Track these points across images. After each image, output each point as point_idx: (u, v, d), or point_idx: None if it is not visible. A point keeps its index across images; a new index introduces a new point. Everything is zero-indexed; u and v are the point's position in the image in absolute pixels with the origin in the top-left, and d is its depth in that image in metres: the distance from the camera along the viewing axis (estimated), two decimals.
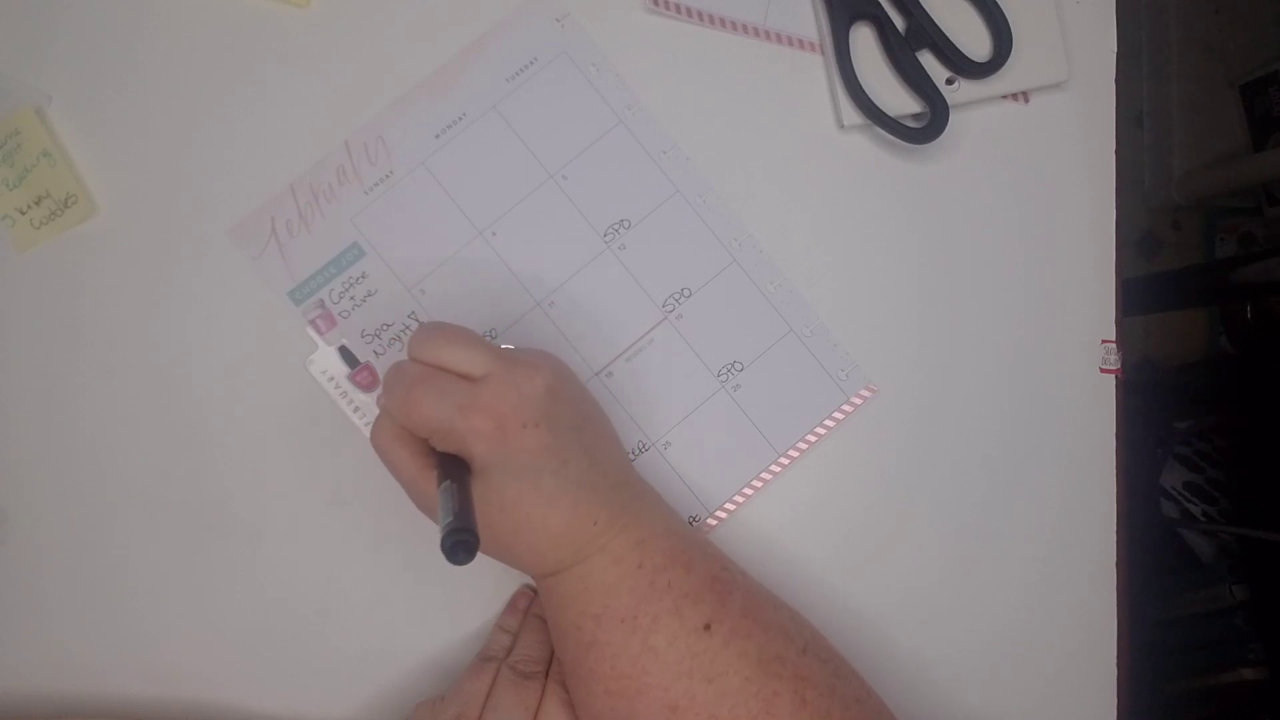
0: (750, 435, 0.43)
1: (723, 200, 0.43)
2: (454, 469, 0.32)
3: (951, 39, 0.42)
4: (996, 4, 0.42)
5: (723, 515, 0.43)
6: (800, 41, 0.44)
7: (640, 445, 0.43)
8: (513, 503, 0.32)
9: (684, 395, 0.43)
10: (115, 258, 0.42)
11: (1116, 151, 0.45)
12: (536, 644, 0.39)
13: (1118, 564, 0.44)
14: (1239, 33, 1.30)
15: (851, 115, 0.43)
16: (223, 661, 0.42)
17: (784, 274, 0.43)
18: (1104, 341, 0.45)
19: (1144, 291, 1.22)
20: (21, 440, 0.41)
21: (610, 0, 0.43)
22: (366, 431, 0.42)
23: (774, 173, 0.44)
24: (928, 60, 0.43)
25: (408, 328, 0.42)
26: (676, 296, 0.43)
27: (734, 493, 0.43)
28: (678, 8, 0.43)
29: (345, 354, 0.42)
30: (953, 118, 0.42)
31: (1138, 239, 1.37)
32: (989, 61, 0.42)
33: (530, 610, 0.41)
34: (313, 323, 0.42)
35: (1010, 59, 0.42)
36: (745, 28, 0.43)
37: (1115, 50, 0.45)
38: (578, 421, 0.34)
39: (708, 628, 0.33)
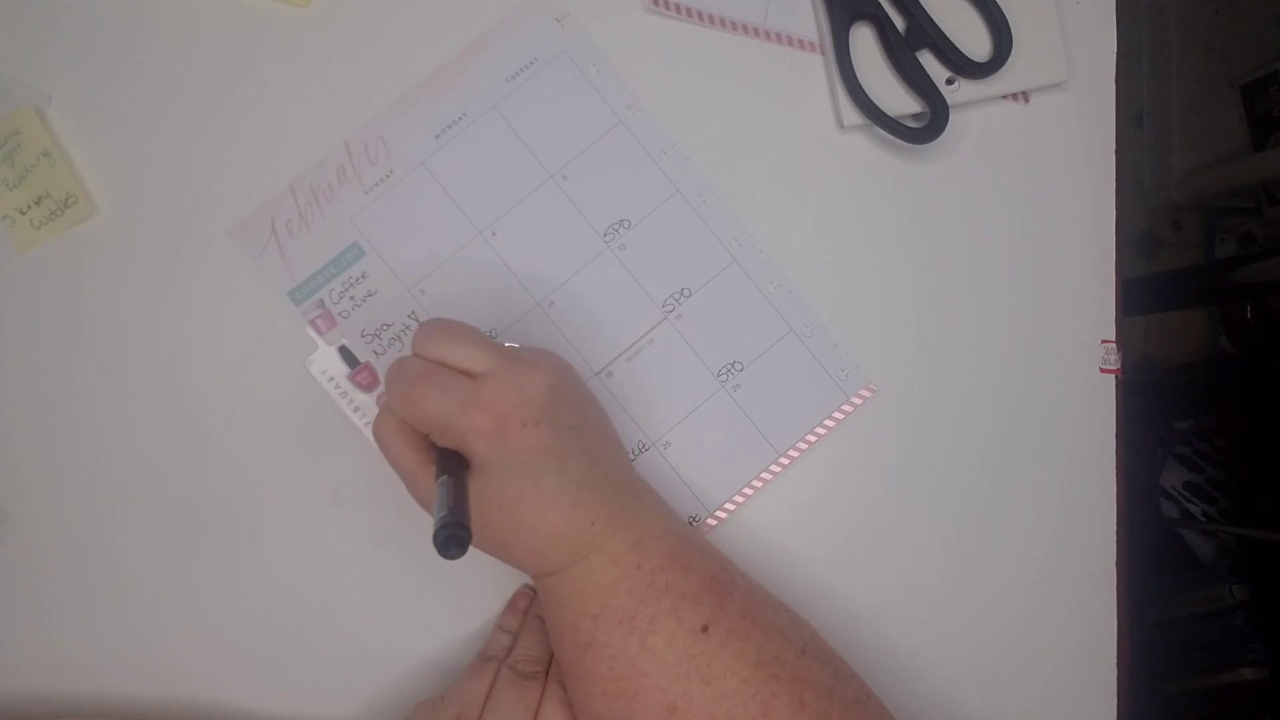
0: (750, 435, 0.43)
1: (723, 200, 0.43)
2: (452, 465, 0.32)
3: (951, 39, 0.42)
4: (996, 4, 0.42)
5: (723, 515, 0.43)
6: (800, 41, 0.44)
7: (640, 445, 0.43)
8: (512, 501, 0.32)
9: (684, 395, 0.43)
10: (115, 258, 0.42)
11: (1116, 151, 0.45)
12: (536, 644, 0.39)
13: (1118, 564, 0.44)
14: (1239, 33, 1.30)
15: (851, 115, 0.43)
16: (223, 661, 0.42)
17: (784, 274, 0.43)
18: (1104, 341, 0.45)
19: (1144, 291, 1.22)
20: (21, 440, 0.41)
21: (610, 0, 0.43)
22: (367, 431, 0.42)
23: (774, 173, 0.44)
24: (928, 60, 0.43)
25: (408, 328, 0.42)
26: (676, 296, 0.43)
27: (734, 493, 0.43)
28: (678, 8, 0.43)
29: (345, 354, 0.42)
30: (953, 118, 0.42)
31: (1138, 239, 1.37)
32: (989, 61, 0.42)
33: (530, 610, 0.41)
34: (313, 323, 0.42)
35: (1010, 59, 0.42)
36: (745, 28, 0.43)
37: (1115, 50, 0.45)
38: (578, 421, 0.34)
39: (706, 629, 0.33)
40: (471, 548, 0.29)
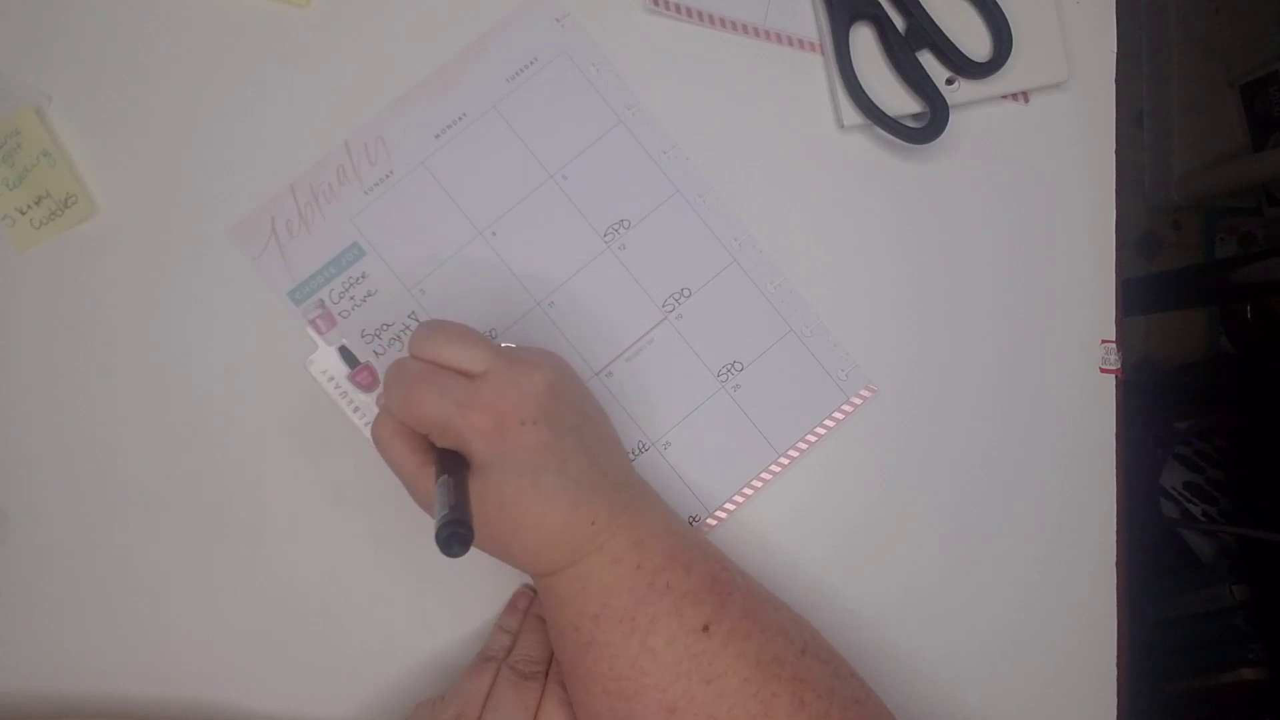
0: (750, 435, 0.43)
1: (723, 200, 0.43)
2: (452, 464, 0.32)
3: (951, 39, 0.42)
4: (996, 4, 0.42)
5: (723, 515, 0.43)
6: (800, 41, 0.44)
7: (640, 445, 0.43)
8: (511, 500, 0.32)
9: (684, 395, 0.43)
10: (115, 258, 0.42)
11: (1116, 151, 0.45)
12: (536, 644, 0.39)
13: (1118, 564, 0.44)
14: (1239, 33, 1.30)
15: (851, 115, 0.43)
16: (223, 661, 0.42)
17: (784, 274, 0.43)
18: (1104, 341, 0.45)
19: (1144, 291, 1.22)
20: (21, 440, 0.41)
21: (610, 0, 0.43)
22: (366, 431, 0.42)
23: (774, 173, 0.44)
24: (928, 60, 0.43)
25: (408, 328, 0.42)
26: (676, 296, 0.43)
27: (734, 493, 0.43)
28: (678, 8, 0.43)
29: (345, 354, 0.42)
30: (953, 118, 0.42)
31: (1138, 239, 1.37)
32: (989, 61, 0.42)
33: (530, 610, 0.41)
34: (313, 323, 0.42)
35: (1010, 59, 0.42)
36: (745, 28, 0.43)
37: (1115, 50, 0.45)
38: (578, 421, 0.34)
39: (706, 629, 0.33)
40: (472, 547, 0.29)
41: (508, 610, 0.42)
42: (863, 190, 0.44)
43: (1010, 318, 0.44)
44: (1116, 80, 0.45)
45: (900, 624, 0.43)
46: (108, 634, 0.41)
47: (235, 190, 0.42)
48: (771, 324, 0.43)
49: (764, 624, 0.34)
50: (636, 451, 0.43)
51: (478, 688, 0.37)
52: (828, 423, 0.43)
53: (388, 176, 0.42)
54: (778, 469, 0.43)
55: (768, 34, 0.44)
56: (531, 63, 0.43)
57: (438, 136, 0.42)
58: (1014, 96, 0.45)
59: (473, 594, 0.42)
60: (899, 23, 0.43)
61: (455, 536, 0.28)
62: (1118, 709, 0.44)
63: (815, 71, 0.44)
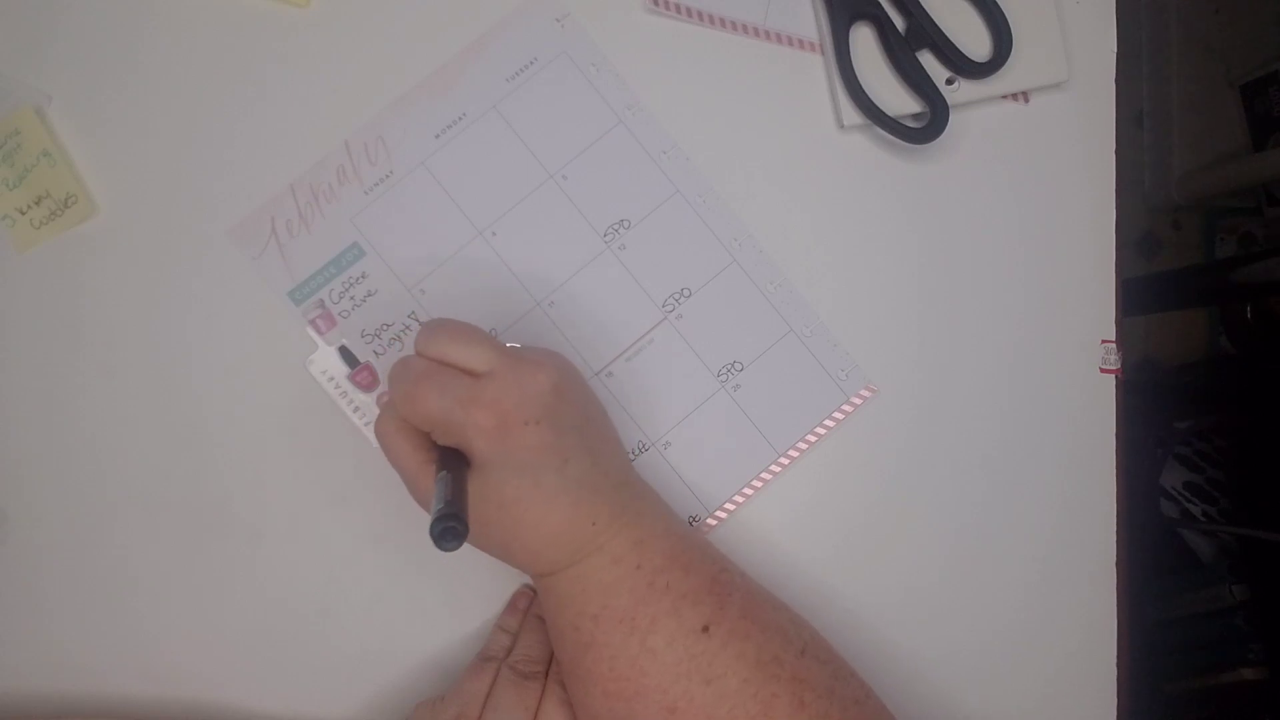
0: (750, 435, 0.43)
1: (723, 200, 0.43)
2: (452, 461, 0.32)
3: (951, 39, 0.42)
4: (996, 4, 0.42)
5: (723, 515, 0.43)
6: (800, 41, 0.44)
7: (640, 445, 0.43)
8: (512, 500, 0.32)
9: (684, 395, 0.43)
10: (115, 258, 0.42)
11: (1116, 151, 0.45)
12: (536, 644, 0.39)
13: (1118, 564, 0.44)
14: (1239, 33, 1.30)
15: (851, 115, 0.43)
16: (223, 661, 0.42)
17: (784, 274, 0.43)
18: (1104, 341, 0.45)
19: (1144, 291, 1.22)
20: (21, 440, 0.41)
21: (610, 0, 0.43)
22: (366, 431, 0.42)
23: (774, 173, 0.44)
24: (928, 60, 0.43)
25: (408, 328, 0.42)
26: (676, 296, 0.43)
27: (734, 493, 0.43)
28: (678, 8, 0.43)
29: (345, 354, 0.42)
30: (953, 118, 0.42)
31: (1138, 239, 1.37)
32: (989, 61, 0.42)
33: (530, 610, 0.41)
34: (313, 323, 0.42)
35: (1010, 59, 0.42)
36: (745, 28, 0.43)
37: (1115, 50, 0.45)
38: (580, 421, 0.34)
39: (706, 629, 0.33)
40: (472, 547, 0.29)
41: (508, 610, 0.42)
42: (863, 190, 0.44)
43: (1010, 318, 0.44)
44: (1116, 80, 0.45)
45: (900, 624, 0.43)
46: (108, 634, 0.41)
47: (235, 190, 0.42)
48: (771, 324, 0.43)
49: (763, 624, 0.34)
50: (636, 451, 0.43)
51: (478, 688, 0.37)
52: (828, 423, 0.43)
53: (388, 176, 0.42)
54: (778, 469, 0.43)
55: (768, 34, 0.44)
56: (531, 63, 0.43)
57: (438, 136, 0.42)
58: (1014, 96, 0.45)
59: (473, 594, 0.42)
60: (899, 23, 0.43)
61: (449, 531, 0.28)
62: (1118, 709, 0.44)
63: (815, 71, 0.44)
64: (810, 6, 0.44)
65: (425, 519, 0.35)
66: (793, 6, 0.44)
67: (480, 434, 0.32)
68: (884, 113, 0.42)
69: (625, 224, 0.43)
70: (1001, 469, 0.44)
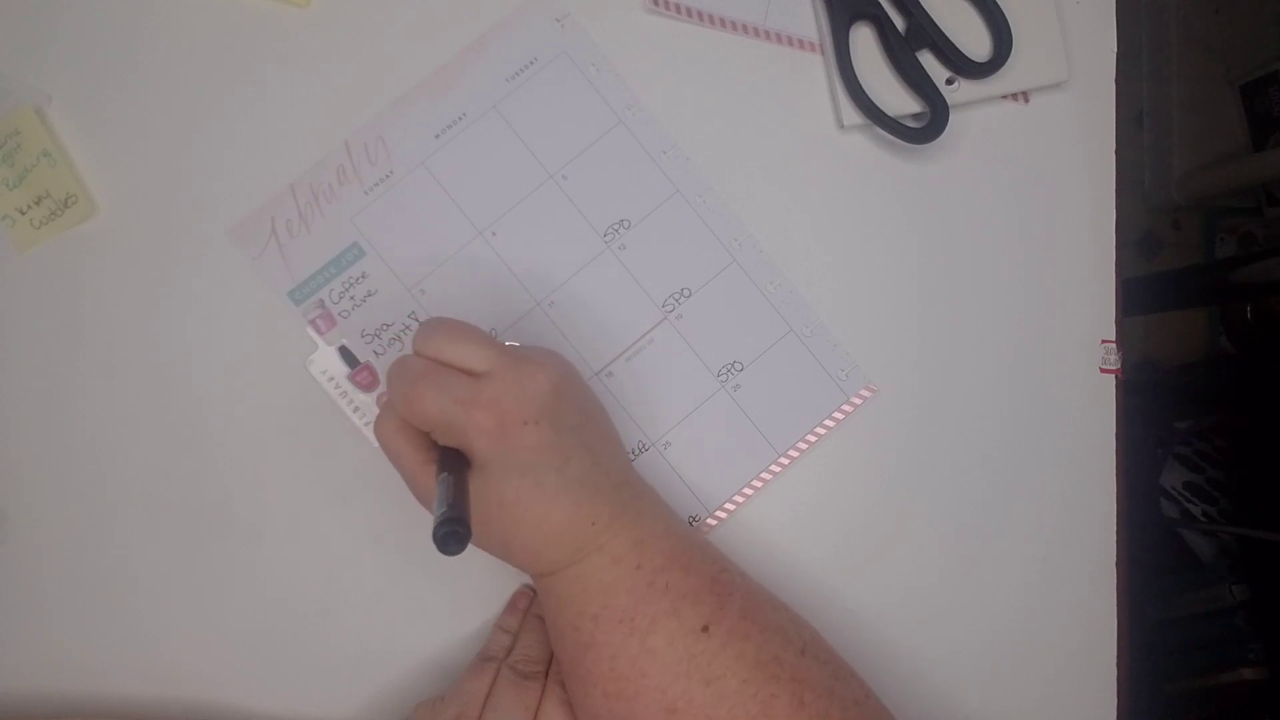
0: (750, 435, 0.43)
1: (723, 200, 0.43)
2: (453, 462, 0.32)
3: (951, 39, 0.42)
4: (996, 4, 0.42)
5: (723, 515, 0.43)
6: (800, 41, 0.44)
7: (640, 445, 0.43)
8: (512, 500, 0.32)
9: (684, 395, 0.43)
10: (115, 258, 0.42)
11: (1116, 151, 0.45)
12: (536, 644, 0.39)
13: (1118, 564, 0.44)
14: (1239, 33, 1.30)
15: (851, 115, 0.43)
16: (223, 661, 0.42)
17: (784, 274, 0.43)
18: (1104, 341, 0.45)
19: (1144, 291, 1.22)
20: (21, 440, 0.41)
21: (610, 0, 0.43)
22: (366, 431, 0.42)
23: (774, 173, 0.44)
24: (928, 60, 0.43)
25: (408, 328, 0.42)
26: (676, 296, 0.43)
27: (734, 493, 0.43)
28: (678, 8, 0.43)
29: (345, 354, 0.42)
30: (953, 118, 0.42)
31: (1138, 239, 1.37)
32: (989, 61, 0.42)
33: (530, 610, 0.41)
34: (313, 323, 0.42)
35: (1010, 59, 0.42)
36: (745, 28, 0.43)
37: (1115, 50, 0.45)
38: (580, 420, 0.34)
39: (706, 629, 0.33)
40: (472, 546, 0.29)
41: (508, 610, 0.42)
42: (863, 190, 0.44)
43: (1010, 318, 0.44)
44: (1116, 80, 0.45)
45: (900, 624, 0.43)
46: (108, 634, 0.41)
47: (235, 190, 0.42)
48: (771, 324, 0.43)
49: (763, 624, 0.34)
50: (636, 451, 0.43)
51: (478, 688, 0.37)
52: (828, 423, 0.43)
53: (388, 176, 0.42)
54: (778, 469, 0.43)
55: (768, 34, 0.44)
56: (531, 63, 0.43)
57: (438, 136, 0.42)
58: (1014, 96, 0.45)
59: (473, 594, 0.42)
60: (899, 23, 0.43)
61: (452, 535, 0.28)
62: (1118, 709, 0.44)
63: (815, 71, 0.44)
64: (810, 6, 0.44)
65: (426, 518, 0.35)
66: (793, 6, 0.44)
67: (480, 434, 0.32)
68: (884, 113, 0.42)
69: (625, 224, 0.43)
70: (1001, 469, 0.44)
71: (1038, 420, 0.44)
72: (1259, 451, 1.07)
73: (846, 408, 0.43)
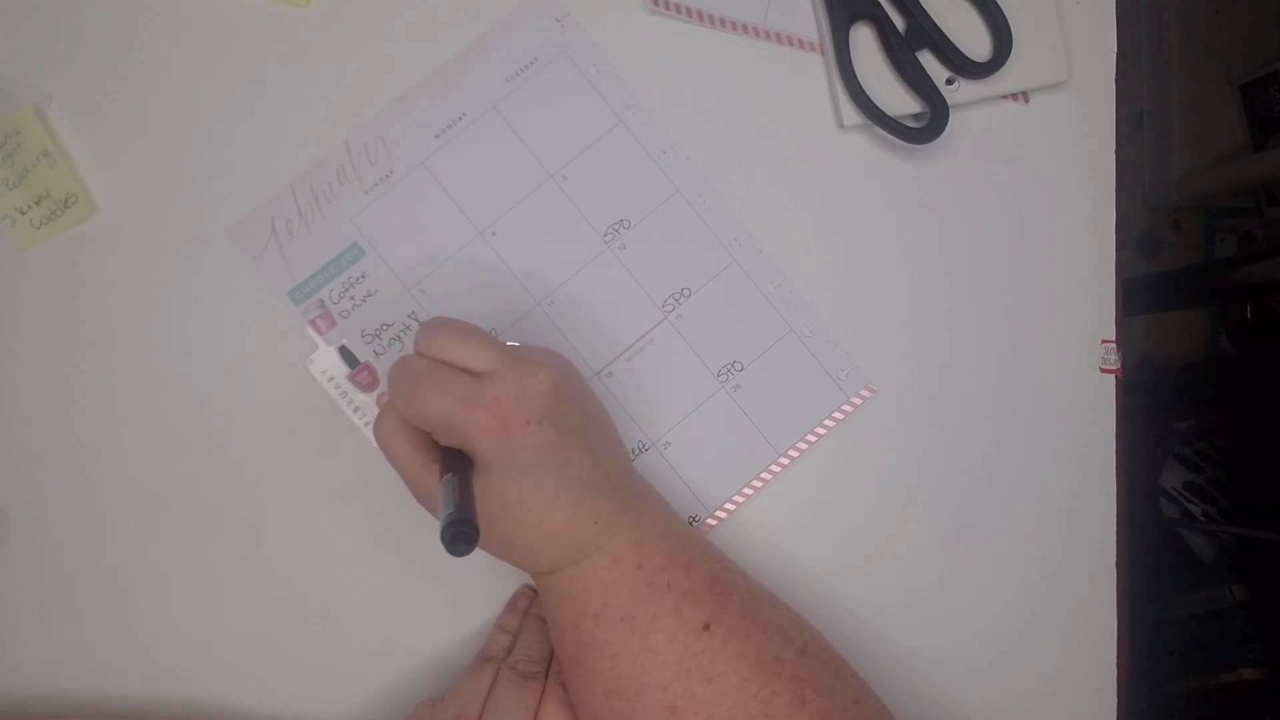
0: (750, 435, 0.43)
1: (723, 200, 0.43)
2: (456, 463, 0.32)
3: (951, 39, 0.42)
4: (996, 4, 0.42)
5: (723, 515, 0.43)
6: (800, 41, 0.44)
7: (640, 445, 0.43)
8: (514, 500, 0.32)
9: (684, 395, 0.43)
10: (115, 258, 0.42)
11: (1116, 151, 0.45)
12: (536, 644, 0.39)
13: (1118, 564, 0.44)
14: (1239, 33, 1.30)
15: (851, 115, 0.43)
16: (223, 661, 0.42)
17: (784, 274, 0.43)
18: (1104, 341, 0.45)
19: (1144, 291, 1.22)
20: (21, 440, 0.41)
21: (610, 0, 0.43)
22: (366, 431, 0.42)
23: (774, 173, 0.44)
24: (928, 60, 0.43)
25: (408, 328, 0.42)
26: (676, 296, 0.43)
27: (734, 493, 0.43)
28: (678, 8, 0.43)
29: (345, 354, 0.42)
30: (953, 118, 0.42)
31: (1138, 239, 1.37)
32: (989, 61, 0.42)
33: (530, 610, 0.41)
34: (313, 323, 0.42)
35: (1010, 59, 0.42)
36: (745, 28, 0.43)
37: (1115, 50, 0.45)
38: (581, 420, 0.34)
39: (707, 628, 0.33)
40: None
41: (508, 610, 0.42)
42: (863, 190, 0.44)
43: (1010, 318, 0.44)
44: (1116, 80, 0.45)
45: (900, 624, 0.43)
46: (108, 634, 0.41)
47: (235, 190, 0.42)
48: (771, 324, 0.43)
49: (764, 623, 0.34)
50: (636, 451, 0.43)
51: (478, 688, 0.37)
52: (828, 423, 0.43)
53: (388, 176, 0.42)
54: (778, 469, 0.43)
55: (768, 34, 0.44)
56: (531, 63, 0.43)
57: (438, 136, 0.42)
58: (1014, 96, 0.45)
59: (473, 594, 0.42)
60: (899, 23, 0.43)
61: (460, 536, 0.28)
62: (1118, 709, 0.44)
63: (815, 71, 0.44)
64: (810, 6, 0.44)
65: (426, 518, 0.35)
66: (793, 6, 0.44)
67: (482, 434, 0.32)
68: (884, 113, 0.42)
69: (625, 224, 0.43)
70: (1001, 469, 0.44)
71: (1038, 420, 0.44)
72: (1259, 451, 1.07)
73: (846, 408, 0.43)
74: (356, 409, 0.42)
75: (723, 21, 0.43)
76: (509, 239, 0.42)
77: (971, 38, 0.43)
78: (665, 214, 0.43)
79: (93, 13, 0.41)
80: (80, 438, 0.41)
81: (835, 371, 0.43)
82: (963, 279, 0.44)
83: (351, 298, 0.42)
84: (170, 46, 0.42)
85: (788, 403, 0.43)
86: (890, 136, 0.43)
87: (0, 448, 0.41)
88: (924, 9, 0.42)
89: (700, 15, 0.43)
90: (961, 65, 0.42)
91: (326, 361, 0.42)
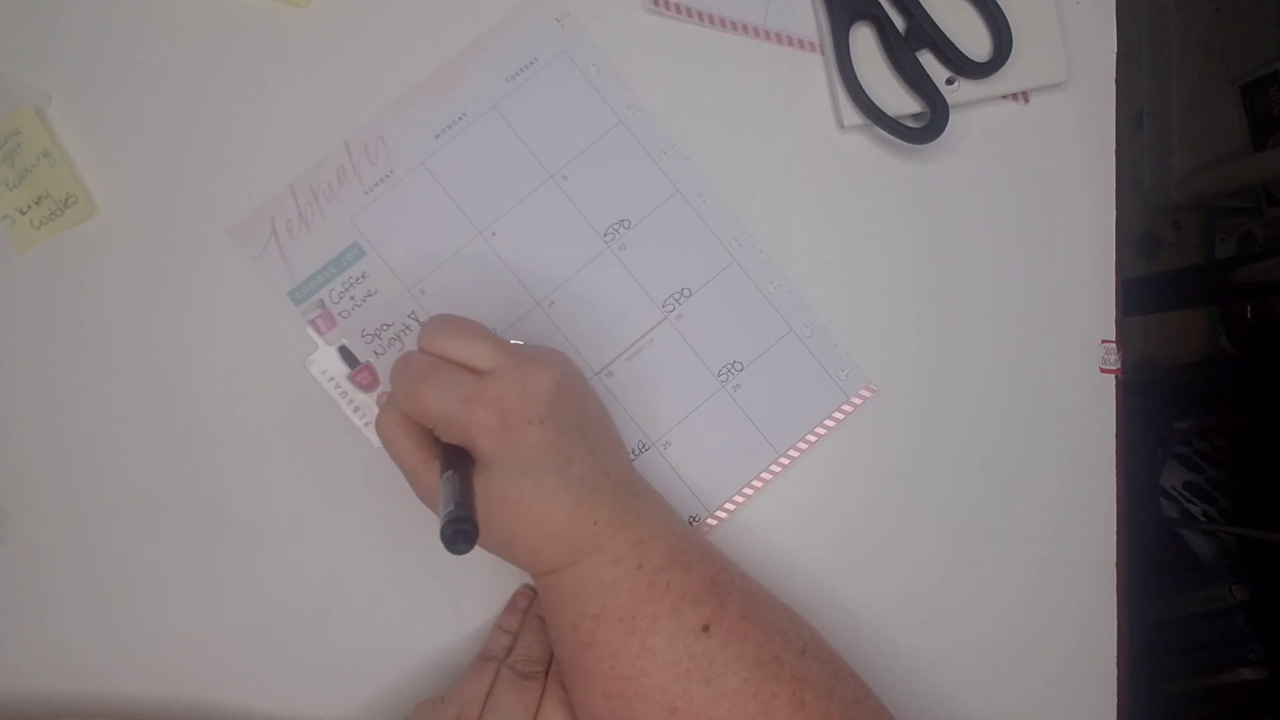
0: (750, 435, 0.43)
1: (723, 200, 0.43)
2: (457, 460, 0.32)
3: (951, 39, 0.42)
4: (996, 4, 0.42)
5: (723, 515, 0.43)
6: (800, 41, 0.44)
7: (640, 445, 0.43)
8: (514, 499, 0.32)
9: (684, 395, 0.43)
10: (115, 258, 0.42)
11: (1116, 151, 0.45)
12: (536, 644, 0.39)
13: (1118, 564, 0.44)
14: (1239, 33, 1.30)
15: (851, 115, 0.43)
16: (223, 661, 0.42)
17: (784, 274, 0.43)
18: (1104, 341, 0.45)
19: (1144, 291, 1.22)
20: (21, 440, 0.41)
21: (610, 0, 0.43)
22: (367, 431, 0.42)
23: (774, 173, 0.44)
24: (928, 60, 0.43)
25: (408, 328, 0.42)
26: (676, 296, 0.43)
27: (734, 493, 0.43)
28: (678, 8, 0.43)
29: (345, 354, 0.42)
30: (953, 118, 0.42)
31: (1138, 239, 1.37)
32: (989, 61, 0.42)
33: (530, 610, 0.41)
34: (313, 323, 0.42)
35: (1010, 59, 0.42)
36: (745, 28, 0.43)
37: (1115, 50, 0.45)
38: (582, 420, 0.34)
39: (706, 629, 0.33)
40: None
41: (508, 610, 0.42)
42: (863, 190, 0.44)
43: (1010, 318, 0.44)
44: (1116, 80, 0.45)
45: (900, 624, 0.43)
46: (108, 634, 0.41)
47: (235, 190, 0.42)
48: (771, 324, 0.43)
49: (763, 624, 0.34)
50: (636, 451, 0.43)
51: (478, 688, 0.37)
52: (828, 423, 0.43)
53: (388, 176, 0.42)
54: (778, 469, 0.43)
55: (768, 34, 0.44)
56: (531, 63, 0.43)
57: (438, 136, 0.42)
58: (1014, 96, 0.45)
59: (473, 594, 0.42)
60: (899, 23, 0.43)
61: (461, 534, 0.28)
62: (1118, 709, 0.44)
63: (815, 71, 0.44)
64: (810, 6, 0.44)
65: (427, 517, 0.35)
66: (793, 6, 0.44)
67: (484, 432, 0.32)
68: (884, 113, 0.42)
69: (625, 224, 0.43)
70: (1001, 469, 0.44)
71: (1038, 420, 0.44)
72: (1259, 451, 1.07)
73: (846, 408, 0.43)
74: (357, 409, 0.42)
75: (723, 21, 0.43)
76: (509, 239, 0.42)
77: (971, 38, 0.43)
78: (665, 214, 0.43)
79: (93, 13, 0.41)
80: (80, 438, 0.41)
81: (835, 371, 0.43)
82: (963, 279, 0.44)
83: (351, 298, 0.42)
84: (170, 46, 0.42)
85: (788, 403, 0.43)
86: (890, 136, 0.43)
87: (0, 448, 0.41)
88: (924, 9, 0.42)
89: (700, 15, 0.43)
90: (961, 65, 0.42)
91: (326, 361, 0.42)
